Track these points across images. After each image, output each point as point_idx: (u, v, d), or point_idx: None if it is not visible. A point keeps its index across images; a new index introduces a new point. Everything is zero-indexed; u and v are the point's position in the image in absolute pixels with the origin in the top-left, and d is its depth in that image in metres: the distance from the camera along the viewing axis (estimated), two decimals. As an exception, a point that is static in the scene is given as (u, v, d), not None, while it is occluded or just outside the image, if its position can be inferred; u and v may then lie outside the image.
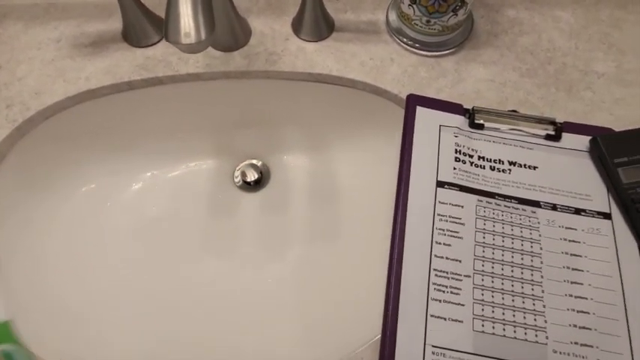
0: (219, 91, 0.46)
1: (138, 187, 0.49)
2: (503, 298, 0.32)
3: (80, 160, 0.46)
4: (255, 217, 0.51)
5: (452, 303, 0.31)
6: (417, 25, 0.42)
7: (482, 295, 0.32)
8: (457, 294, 0.32)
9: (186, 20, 0.28)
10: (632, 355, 0.30)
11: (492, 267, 0.33)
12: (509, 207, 0.35)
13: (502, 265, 0.33)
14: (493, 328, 0.31)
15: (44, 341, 0.39)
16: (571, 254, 0.34)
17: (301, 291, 0.46)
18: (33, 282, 0.41)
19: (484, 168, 0.37)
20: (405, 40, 0.44)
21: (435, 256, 0.33)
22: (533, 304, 0.32)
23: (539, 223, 0.35)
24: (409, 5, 0.40)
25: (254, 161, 0.53)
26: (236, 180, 0.52)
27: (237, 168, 0.53)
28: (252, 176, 0.52)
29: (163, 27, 0.29)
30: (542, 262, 0.33)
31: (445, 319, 0.31)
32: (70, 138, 0.45)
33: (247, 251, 0.49)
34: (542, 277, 0.33)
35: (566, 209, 0.35)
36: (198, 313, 0.45)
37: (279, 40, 0.45)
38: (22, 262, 0.40)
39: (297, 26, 0.45)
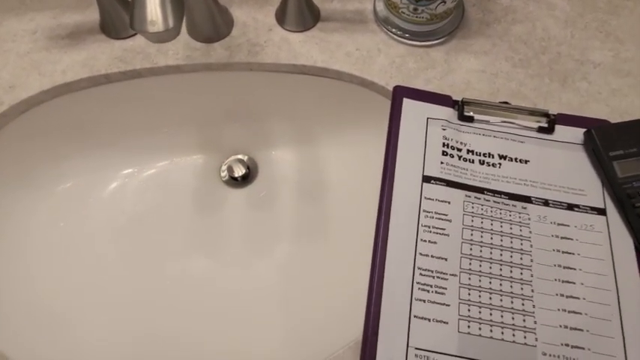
0: (201, 83, 0.45)
1: (120, 184, 0.48)
2: (490, 298, 0.30)
3: (58, 157, 0.45)
4: (242, 213, 0.50)
5: (437, 303, 0.30)
6: (404, 13, 0.40)
7: (469, 294, 0.30)
8: (442, 294, 0.30)
9: (153, 7, 0.27)
10: (625, 357, 0.29)
11: (480, 265, 0.31)
12: (498, 203, 0.34)
13: (490, 263, 0.32)
14: (480, 329, 0.30)
15: (22, 343, 0.38)
16: (563, 252, 0.32)
17: (288, 289, 0.45)
18: (11, 281, 0.40)
19: (473, 162, 0.36)
20: (392, 29, 0.42)
21: (420, 254, 0.32)
22: (523, 304, 0.30)
23: (529, 219, 0.33)
24: (396, -8, 0.39)
25: (241, 156, 0.52)
26: (222, 175, 0.51)
27: (224, 163, 0.52)
28: (239, 171, 0.51)
29: (129, 15, 0.27)
30: (532, 260, 0.32)
31: (429, 320, 0.29)
32: (46, 133, 0.43)
33: (234, 249, 0.47)
34: (532, 275, 0.31)
35: (559, 205, 0.34)
36: (182, 312, 0.44)
37: (262, 30, 0.43)
38: (1, 258, 0.39)
39: (280, 16, 0.43)
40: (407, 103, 0.37)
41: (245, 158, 0.52)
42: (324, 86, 0.44)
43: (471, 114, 0.37)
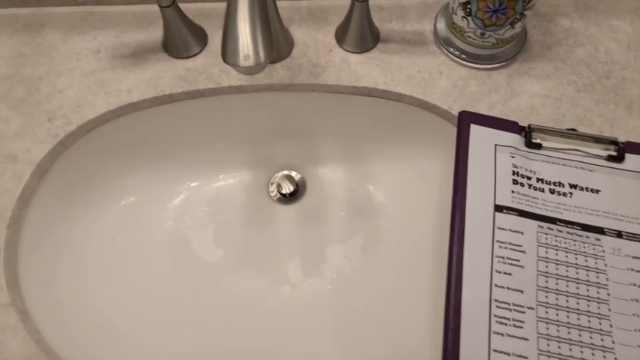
0: (260, 102, 0.45)
1: (175, 199, 0.49)
2: (569, 333, 0.30)
3: (118, 173, 0.45)
4: (291, 230, 0.50)
5: (515, 337, 0.30)
6: (469, 37, 0.40)
7: (547, 329, 0.30)
8: (520, 327, 0.30)
9: (245, 41, 0.27)
10: None
11: (557, 299, 0.31)
12: (571, 234, 0.34)
13: (567, 296, 0.31)
14: (559, 364, 0.30)
15: (85, 354, 0.38)
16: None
17: (339, 309, 0.45)
18: (74, 295, 0.41)
19: (543, 191, 0.35)
20: (454, 51, 0.42)
21: (496, 285, 0.32)
22: (602, 340, 0.30)
23: (604, 251, 0.33)
24: (463, 17, 0.39)
25: (291, 173, 0.52)
26: (271, 191, 0.51)
27: (273, 179, 0.52)
28: (287, 188, 0.51)
29: (221, 48, 0.27)
30: (609, 295, 0.32)
31: (509, 354, 0.29)
32: (108, 151, 0.44)
33: (284, 265, 0.48)
34: (609, 310, 0.31)
35: (633, 237, 0.34)
36: (235, 328, 0.44)
37: (323, 51, 0.43)
38: (65, 276, 0.40)
39: (341, 36, 0.44)
40: (474, 129, 0.37)
41: (294, 175, 0.52)
42: (382, 107, 0.44)
43: (539, 141, 0.37)
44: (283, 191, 0.51)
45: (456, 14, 0.40)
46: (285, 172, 0.52)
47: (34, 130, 0.40)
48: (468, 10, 0.38)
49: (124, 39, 0.44)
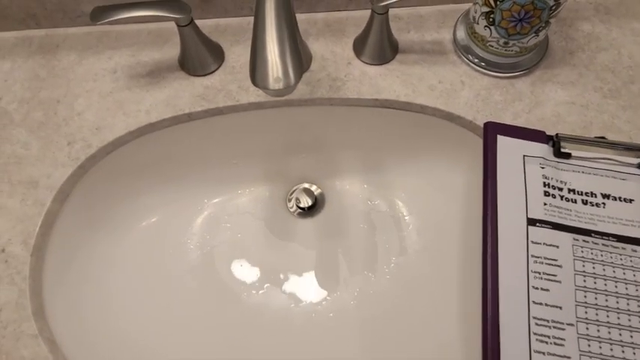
0: (279, 118, 0.45)
1: (195, 217, 0.48)
2: (611, 349, 0.30)
3: (137, 194, 0.45)
4: (312, 244, 0.49)
5: (557, 355, 0.29)
6: (492, 46, 0.39)
7: (589, 346, 0.30)
8: (561, 345, 0.30)
9: (275, 63, 0.27)
10: None
11: (596, 314, 0.31)
12: (607, 246, 0.33)
13: (607, 311, 0.31)
14: (603, 382, 0.29)
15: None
16: (680, 298, 0.31)
17: (364, 325, 0.44)
18: (98, 314, 0.40)
19: (576, 202, 0.35)
20: (475, 60, 0.41)
21: (534, 302, 0.31)
22: (646, 356, 0.29)
23: (642, 263, 0.32)
24: (485, 27, 0.38)
25: (310, 187, 0.51)
26: (290, 207, 0.50)
27: (291, 193, 0.51)
28: (305, 202, 0.50)
29: (249, 70, 0.27)
30: (650, 308, 0.31)
31: (552, 373, 0.29)
32: (127, 172, 0.43)
33: (306, 281, 0.47)
34: (651, 324, 0.30)
35: (670, 247, 0.33)
36: (260, 344, 0.44)
37: (342, 64, 0.43)
38: (90, 302, 0.39)
39: (359, 49, 0.43)
40: (502, 140, 0.37)
41: (314, 189, 0.51)
42: (403, 119, 0.43)
43: (568, 150, 0.36)
44: (301, 205, 0.50)
45: (477, 23, 0.39)
46: (304, 186, 0.52)
47: (54, 155, 0.39)
48: (491, 19, 0.37)
49: (140, 58, 0.44)
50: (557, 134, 0.37)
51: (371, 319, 0.44)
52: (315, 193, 0.51)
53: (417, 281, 0.45)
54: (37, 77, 0.43)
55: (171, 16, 0.36)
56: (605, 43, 0.43)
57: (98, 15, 0.35)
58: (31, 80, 0.43)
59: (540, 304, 0.31)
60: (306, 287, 0.47)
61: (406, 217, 0.48)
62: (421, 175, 0.47)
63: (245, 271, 0.47)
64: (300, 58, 0.27)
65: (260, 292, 0.46)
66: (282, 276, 0.48)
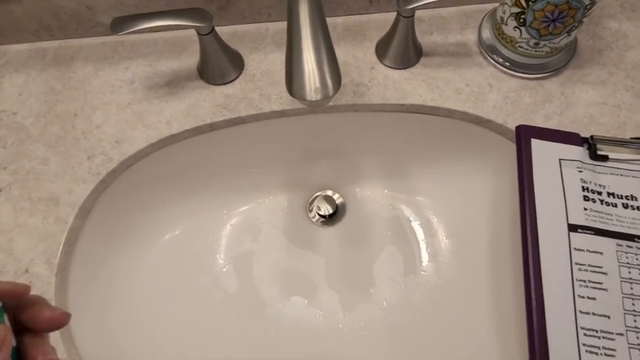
0: (300, 125, 0.44)
1: (216, 229, 0.47)
2: (664, 359, 0.29)
3: (158, 206, 0.44)
4: (335, 253, 0.48)
5: (609, 367, 0.28)
6: (521, 47, 0.38)
7: (642, 356, 0.29)
8: (612, 356, 0.29)
9: (312, 73, 0.25)
10: None
11: (646, 323, 0.30)
12: (652, 251, 0.32)
13: (657, 319, 0.30)
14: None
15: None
16: None
17: (394, 335, 0.43)
18: (128, 339, 0.39)
19: (616, 206, 0.34)
20: (503, 62, 0.40)
21: (580, 312, 0.30)
22: (700, 365, 0.28)
23: (688, 268, 0.31)
24: (515, 28, 0.37)
25: (331, 194, 0.50)
26: (312, 216, 0.49)
27: (312, 201, 0.50)
28: (326, 210, 0.49)
29: (286, 81, 0.26)
30: (701, 315, 0.30)
31: (605, 387, 0.28)
32: (148, 184, 0.42)
33: (332, 291, 0.46)
34: None
35: None
36: (286, 357, 0.43)
37: (365, 69, 0.42)
38: (116, 320, 0.38)
39: (382, 52, 0.42)
40: (536, 144, 0.36)
41: (336, 197, 0.50)
42: (428, 123, 0.42)
43: (605, 152, 0.36)
44: (322, 212, 0.49)
45: (506, 24, 0.38)
46: (325, 193, 0.50)
47: (73, 170, 0.38)
48: (521, 20, 0.36)
49: (157, 67, 0.43)
50: (592, 136, 0.36)
51: (400, 328, 0.43)
52: (337, 201, 0.50)
53: (446, 289, 0.44)
54: (52, 90, 0.42)
55: (194, 24, 0.35)
56: (634, 41, 0.42)
57: (118, 26, 0.34)
58: (46, 93, 0.42)
59: (587, 313, 0.30)
60: (331, 297, 0.46)
61: (432, 223, 0.47)
62: (447, 181, 0.46)
63: (269, 283, 0.46)
64: (337, 67, 0.26)
65: (285, 303, 0.45)
66: (306, 286, 0.46)
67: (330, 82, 0.26)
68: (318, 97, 0.25)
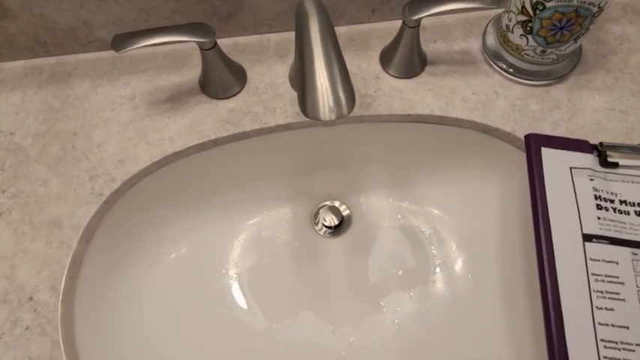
0: (305, 137, 0.43)
1: (222, 244, 0.46)
2: (685, 370, 0.29)
3: (161, 225, 0.43)
4: (343, 264, 0.48)
5: (630, 380, 0.28)
6: (527, 55, 0.38)
7: (663, 367, 0.29)
8: (633, 368, 0.28)
9: (326, 92, 0.25)
10: None
11: (666, 332, 0.30)
12: (667, 258, 0.32)
13: (676, 329, 0.30)
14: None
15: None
16: None
17: (409, 348, 0.43)
18: (129, 349, 0.38)
19: (629, 214, 0.34)
20: (508, 69, 0.40)
21: (599, 323, 0.30)
22: None
23: None
24: (522, 36, 0.37)
25: (336, 204, 0.49)
26: (318, 229, 0.48)
27: (317, 213, 0.49)
28: (331, 220, 0.48)
29: (298, 99, 0.25)
30: None
31: (628, 400, 0.28)
32: (151, 203, 0.41)
33: (342, 304, 0.45)
34: None
35: None
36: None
37: (370, 79, 0.41)
38: (123, 343, 0.37)
39: (387, 62, 0.41)
40: (546, 152, 0.35)
41: (343, 208, 0.49)
42: (435, 133, 0.42)
43: (615, 159, 0.35)
44: (327, 223, 0.49)
45: (512, 32, 0.38)
46: (330, 204, 0.50)
47: (75, 191, 0.37)
48: (528, 28, 0.36)
49: (158, 82, 0.42)
50: (601, 143, 0.36)
51: (412, 340, 0.43)
52: (342, 211, 0.49)
53: (457, 299, 0.44)
54: (50, 108, 0.41)
55: (196, 40, 0.35)
56: (637, 45, 0.42)
57: (120, 43, 0.33)
58: (44, 112, 0.40)
59: (606, 325, 0.30)
60: (341, 310, 0.45)
61: (441, 232, 0.47)
62: (454, 190, 0.45)
63: (277, 298, 0.46)
64: (351, 85, 0.26)
65: (295, 318, 0.44)
66: (315, 300, 0.46)
67: (344, 100, 0.25)
68: (333, 116, 0.25)
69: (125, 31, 0.35)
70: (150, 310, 0.40)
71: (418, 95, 0.40)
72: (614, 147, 0.36)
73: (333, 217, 0.49)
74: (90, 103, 0.41)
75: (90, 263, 0.37)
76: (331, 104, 0.25)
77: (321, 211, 0.50)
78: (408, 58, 0.40)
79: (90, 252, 0.37)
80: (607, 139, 0.38)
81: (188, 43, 0.37)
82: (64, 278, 0.34)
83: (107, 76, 0.42)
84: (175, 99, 0.41)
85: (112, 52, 0.43)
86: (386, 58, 0.42)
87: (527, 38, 0.37)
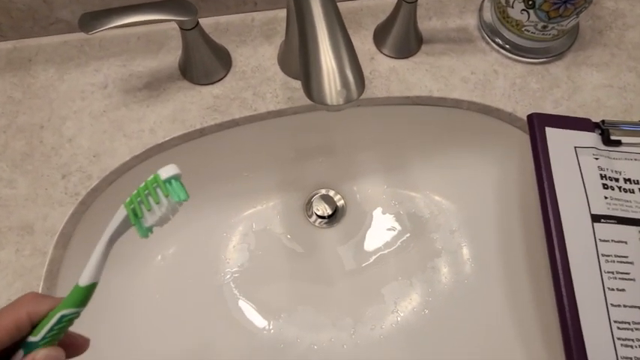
0: (298, 123, 0.40)
1: (212, 241, 0.43)
2: (696, 346, 0.29)
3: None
4: (339, 255, 0.46)
5: (645, 360, 0.28)
6: (528, 31, 0.37)
7: (675, 345, 0.29)
8: (647, 348, 0.28)
9: (333, 74, 0.22)
10: None
11: (676, 310, 0.30)
12: (673, 236, 0.32)
13: (685, 306, 0.30)
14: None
15: None
16: None
17: (412, 339, 0.42)
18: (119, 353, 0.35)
19: (634, 192, 0.33)
20: (507, 46, 0.39)
21: (612, 305, 0.29)
22: None
23: None
24: (523, 10, 0.35)
25: (330, 193, 0.47)
26: (312, 220, 0.46)
27: (310, 202, 0.47)
28: (324, 210, 0.46)
29: (302, 83, 0.23)
30: None
31: (643, 380, 0.27)
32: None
33: (341, 296, 0.44)
34: None
35: None
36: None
37: (365, 60, 0.39)
38: (112, 348, 0.35)
39: (381, 41, 0.39)
40: (550, 132, 0.34)
41: (337, 198, 0.47)
42: (432, 115, 0.40)
43: (618, 137, 0.35)
44: (320, 213, 0.47)
45: (512, 7, 0.36)
46: (323, 192, 0.48)
47: (47, 192, 0.33)
48: (530, 2, 0.34)
49: (132, 68, 0.38)
50: (603, 121, 0.35)
51: (414, 329, 0.42)
52: (337, 202, 0.47)
53: (459, 285, 0.43)
54: (10, 100, 0.36)
55: (176, 19, 0.31)
56: (632, 20, 0.42)
57: (89, 23, 0.29)
58: (3, 104, 0.36)
59: (619, 306, 0.29)
60: (340, 302, 0.44)
61: (439, 218, 0.46)
62: (452, 174, 0.44)
63: (273, 293, 0.43)
64: (360, 67, 0.23)
65: (293, 313, 0.42)
66: (313, 293, 0.44)
67: (353, 84, 0.23)
68: (341, 101, 0.22)
69: (92, 10, 0.31)
70: (140, 318, 0.37)
71: (416, 76, 0.38)
72: (616, 124, 0.35)
73: (327, 206, 0.47)
74: (57, 92, 0.37)
75: (69, 271, 0.33)
76: (339, 87, 0.22)
77: (313, 200, 0.48)
78: (404, 37, 0.38)
79: (68, 259, 0.33)
80: (607, 116, 0.37)
81: (166, 22, 0.34)
82: (40, 289, 0.31)
83: (74, 61, 0.38)
84: (153, 86, 0.37)
85: (77, 35, 0.39)
86: (380, 36, 0.39)
87: (528, 13, 0.35)
